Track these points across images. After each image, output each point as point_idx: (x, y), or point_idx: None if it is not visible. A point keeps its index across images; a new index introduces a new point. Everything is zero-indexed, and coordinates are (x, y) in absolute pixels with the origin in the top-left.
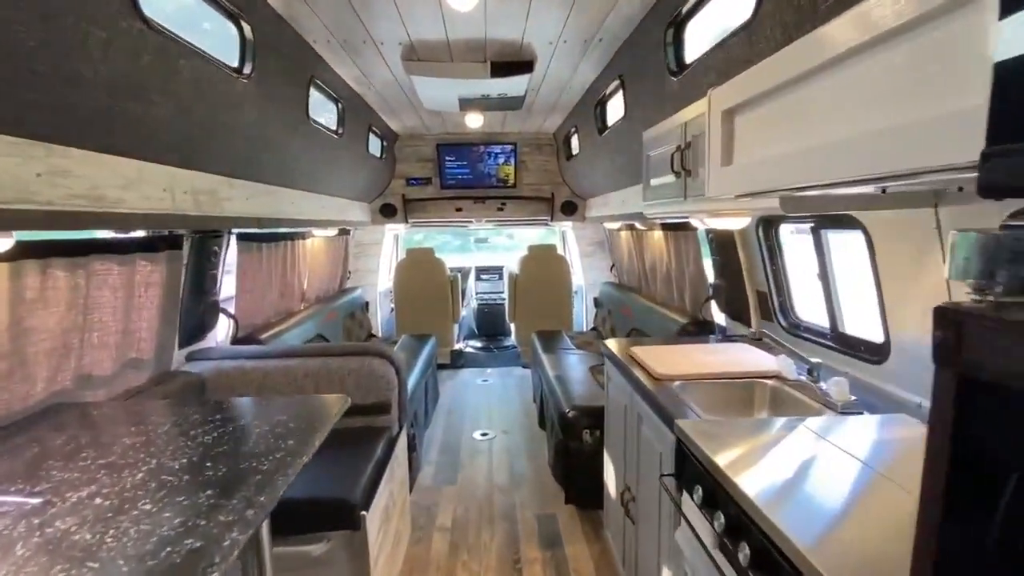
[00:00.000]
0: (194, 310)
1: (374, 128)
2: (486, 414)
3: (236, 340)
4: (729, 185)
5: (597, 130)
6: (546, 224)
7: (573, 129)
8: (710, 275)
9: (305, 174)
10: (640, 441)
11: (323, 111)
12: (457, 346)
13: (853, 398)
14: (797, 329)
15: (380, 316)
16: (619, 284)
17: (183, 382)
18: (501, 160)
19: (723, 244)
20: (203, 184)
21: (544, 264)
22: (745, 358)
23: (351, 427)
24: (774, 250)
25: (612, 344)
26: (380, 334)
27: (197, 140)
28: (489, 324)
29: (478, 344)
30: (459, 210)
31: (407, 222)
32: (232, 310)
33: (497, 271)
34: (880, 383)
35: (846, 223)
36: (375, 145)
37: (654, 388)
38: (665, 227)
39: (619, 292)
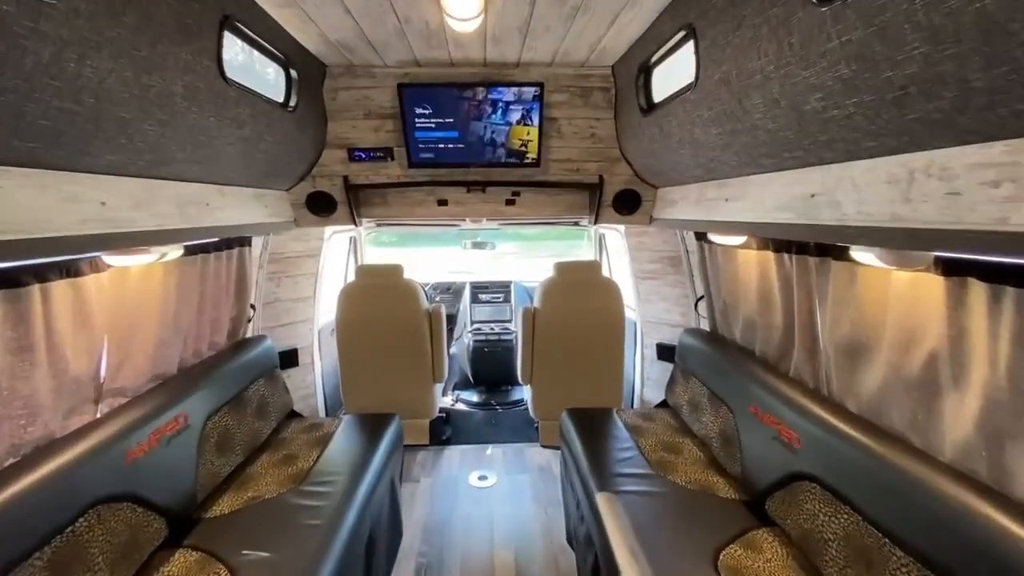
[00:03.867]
0: None
1: (245, 29)
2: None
3: None
4: None
5: None
6: (578, 224)
7: (681, 35)
8: None
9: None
10: None
11: None
12: (444, 401)
13: None
14: None
15: (320, 369)
16: (716, 337)
17: None
18: (515, 116)
19: None
20: None
21: (581, 294)
22: None
23: None
24: None
25: None
26: (320, 409)
27: None
28: (490, 369)
29: (473, 398)
30: (443, 203)
31: (356, 223)
32: None
33: (503, 289)
34: None
35: None
36: (262, 73)
37: None
38: (949, 266)
39: (726, 359)
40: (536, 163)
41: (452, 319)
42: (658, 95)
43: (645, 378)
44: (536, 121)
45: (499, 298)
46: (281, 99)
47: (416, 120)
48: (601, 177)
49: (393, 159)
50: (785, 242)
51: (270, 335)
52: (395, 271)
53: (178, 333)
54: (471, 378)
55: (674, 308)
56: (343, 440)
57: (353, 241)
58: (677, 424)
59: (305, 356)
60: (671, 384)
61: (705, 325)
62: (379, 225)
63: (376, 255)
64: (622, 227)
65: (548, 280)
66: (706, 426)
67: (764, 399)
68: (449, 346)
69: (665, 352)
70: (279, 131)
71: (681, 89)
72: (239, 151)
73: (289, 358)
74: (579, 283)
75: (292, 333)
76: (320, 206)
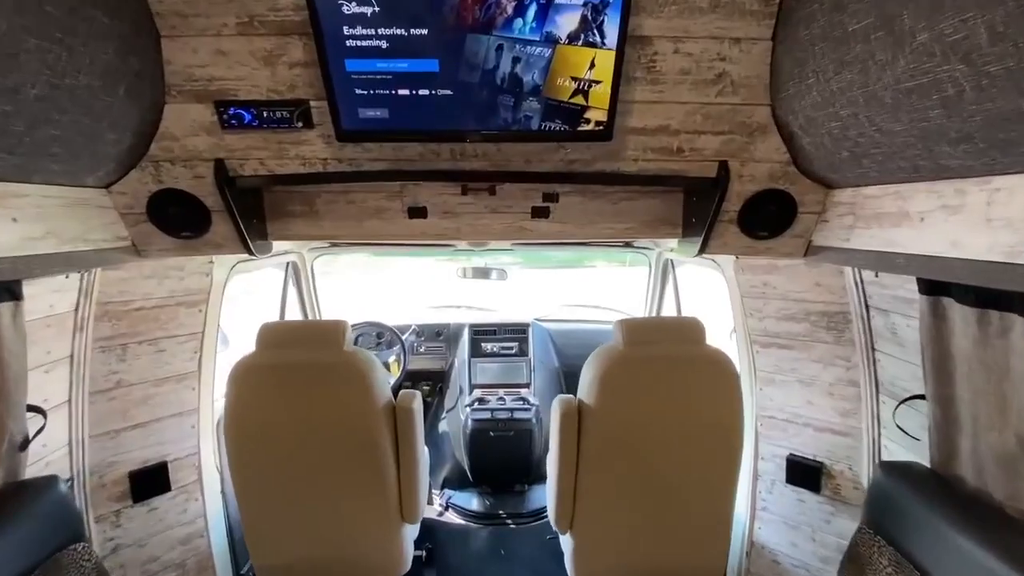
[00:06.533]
0: None
1: None
2: None
3: None
4: None
5: None
6: (633, 246)
7: None
8: None
9: None
10: None
11: None
12: (433, 508)
13: None
14: None
15: (221, 489)
16: (968, 494)
17: None
18: (565, 25)
19: None
20: None
21: (671, 379)
22: None
23: None
24: None
25: None
26: (219, 559)
27: None
28: (498, 461)
29: (472, 505)
30: (419, 214)
31: (250, 248)
32: None
33: (516, 335)
34: None
35: None
36: None
37: None
38: None
39: None
40: (604, 132)
41: (442, 378)
42: None
43: (758, 510)
44: (612, 39)
45: (511, 349)
46: None
47: (345, 32)
48: (725, 166)
49: (311, 124)
50: None
51: (111, 445)
52: (331, 333)
53: None
54: (469, 473)
55: (825, 400)
56: None
57: (293, 269)
58: None
59: (184, 472)
60: (856, 569)
61: (908, 448)
62: (328, 249)
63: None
64: (729, 258)
65: (606, 352)
66: None
67: None
68: (438, 420)
69: (802, 473)
70: None
71: None
72: None
73: (150, 481)
74: (665, 361)
75: (156, 437)
76: (176, 218)
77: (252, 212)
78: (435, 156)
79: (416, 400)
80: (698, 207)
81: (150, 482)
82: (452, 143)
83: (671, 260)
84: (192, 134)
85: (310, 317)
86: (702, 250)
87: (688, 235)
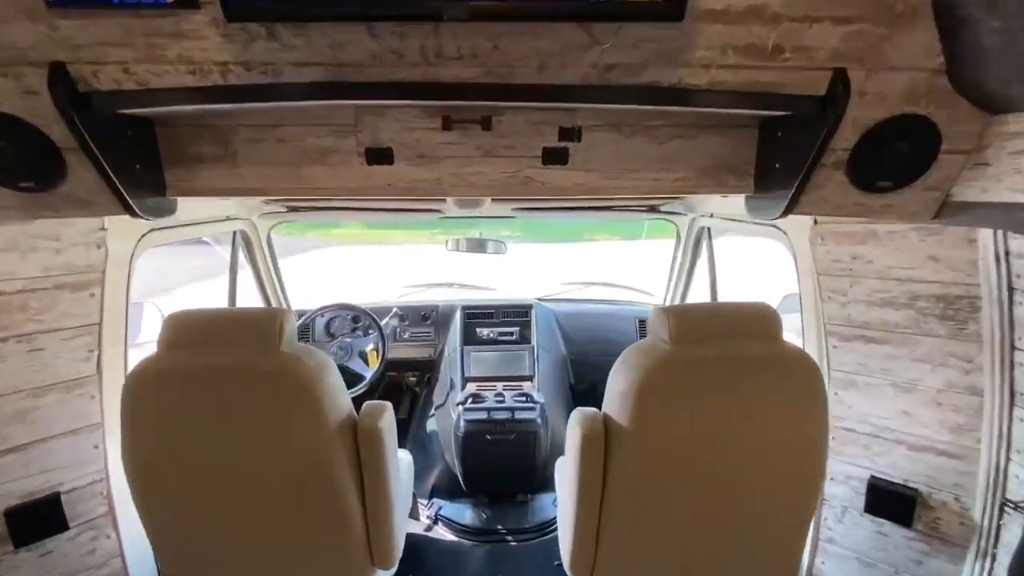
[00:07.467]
0: None
1: None
2: None
3: None
4: None
5: None
6: (659, 210)
7: None
8: None
9: None
10: None
11: None
12: (420, 522)
13: None
14: None
15: (138, 523)
16: None
17: None
18: None
19: None
20: None
21: (736, 389)
22: None
23: None
24: None
25: None
26: None
27: None
28: (495, 468)
29: (465, 518)
30: (380, 158)
31: (132, 208)
32: None
33: (517, 318)
34: None
35: None
36: None
37: None
38: None
39: None
40: (671, 5)
41: (431, 367)
42: None
43: (822, 540)
44: None
45: (510, 334)
46: None
47: None
48: (843, 77)
49: (194, 2)
50: None
51: None
52: (263, 326)
53: None
54: (462, 481)
55: (929, 411)
56: None
57: (244, 240)
58: None
59: (88, 504)
60: None
61: None
62: (292, 211)
63: None
64: (797, 220)
65: (645, 352)
66: None
67: None
68: (425, 417)
69: (888, 501)
70: None
71: None
72: None
73: (38, 518)
74: (729, 364)
75: (42, 462)
76: (7, 160)
77: (133, 153)
78: (397, 58)
79: (384, 415)
80: (787, 146)
81: (38, 520)
82: (420, 27)
83: (707, 228)
84: (4, 20)
85: (272, 304)
86: (790, 209)
87: (765, 188)
